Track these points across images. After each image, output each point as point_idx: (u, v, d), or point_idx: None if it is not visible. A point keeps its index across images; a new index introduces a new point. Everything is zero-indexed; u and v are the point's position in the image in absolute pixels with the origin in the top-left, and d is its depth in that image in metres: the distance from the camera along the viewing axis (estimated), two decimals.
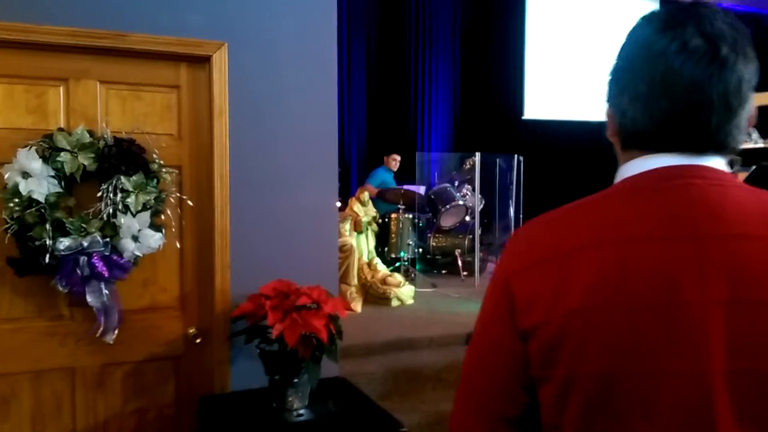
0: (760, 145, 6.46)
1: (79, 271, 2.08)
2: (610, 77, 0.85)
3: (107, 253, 2.12)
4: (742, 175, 5.42)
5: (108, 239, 2.12)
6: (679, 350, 0.71)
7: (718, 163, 0.79)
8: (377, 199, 6.66)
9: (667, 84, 0.76)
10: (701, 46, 0.75)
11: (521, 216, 7.13)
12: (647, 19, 0.81)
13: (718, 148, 0.78)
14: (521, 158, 6.98)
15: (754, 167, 5.10)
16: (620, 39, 0.84)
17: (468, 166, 6.83)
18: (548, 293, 0.76)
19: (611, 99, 0.85)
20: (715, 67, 0.75)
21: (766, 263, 0.72)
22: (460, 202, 6.56)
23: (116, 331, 2.21)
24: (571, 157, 8.83)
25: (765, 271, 0.71)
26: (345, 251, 5.03)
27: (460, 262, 6.52)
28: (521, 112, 8.79)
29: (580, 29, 8.77)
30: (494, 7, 8.61)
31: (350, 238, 5.25)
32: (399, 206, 6.49)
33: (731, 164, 0.82)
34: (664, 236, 0.74)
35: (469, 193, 6.76)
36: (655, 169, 0.79)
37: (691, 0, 0.80)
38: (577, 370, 0.74)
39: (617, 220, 0.77)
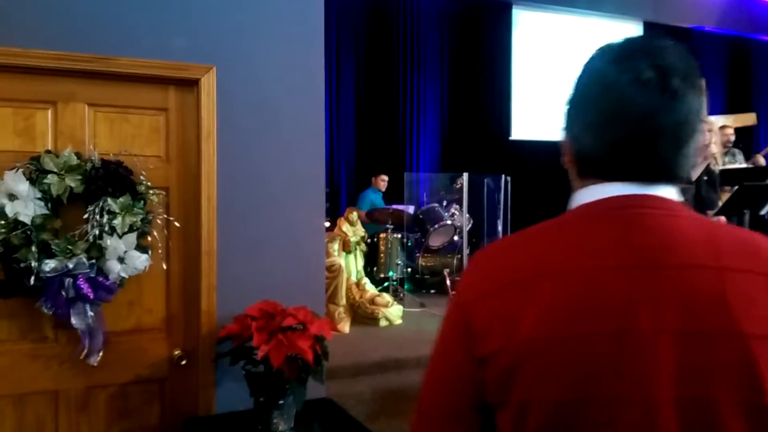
0: (744, 165, 6.57)
1: (64, 293, 2.07)
2: (566, 106, 0.86)
3: (93, 275, 2.12)
4: (725, 196, 5.49)
5: (94, 261, 2.12)
6: (631, 378, 0.72)
7: (669, 192, 0.81)
8: (368, 220, 6.69)
9: (619, 113, 0.78)
10: (653, 78, 0.77)
11: (509, 234, 7.16)
12: (602, 51, 0.84)
13: (669, 178, 0.81)
14: (509, 178, 7.05)
15: (736, 188, 5.17)
16: None
17: (458, 185, 6.89)
18: (504, 321, 0.77)
19: (567, 127, 0.87)
20: (666, 98, 0.77)
21: (713, 293, 0.73)
22: (449, 222, 6.60)
23: (101, 354, 2.20)
24: (557, 176, 8.85)
25: (712, 300, 0.73)
26: (333, 271, 5.04)
27: (448, 282, 6.53)
28: (508, 133, 8.89)
29: (566, 52, 8.91)
30: (481, 30, 8.75)
31: (339, 258, 5.26)
32: (387, 226, 6.51)
33: (683, 193, 0.85)
34: (616, 265, 0.75)
35: (458, 213, 6.80)
36: (608, 198, 0.81)
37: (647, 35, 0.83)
38: (533, 396, 0.75)
39: (570, 248, 0.78)
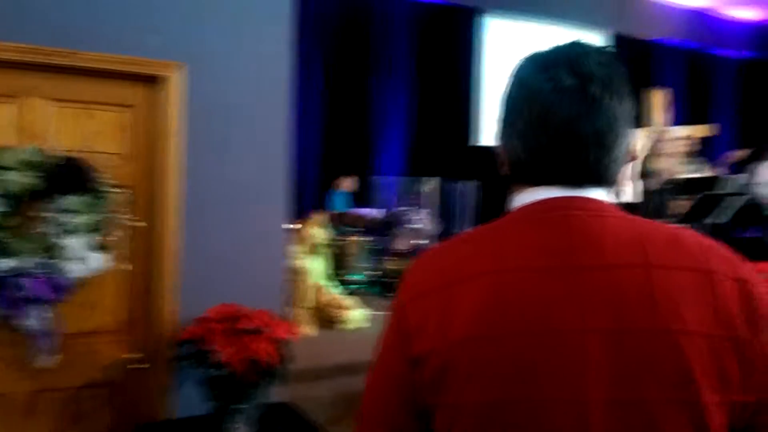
0: (708, 174, 6.73)
1: (19, 293, 2.02)
2: (498, 116, 0.88)
3: (50, 275, 2.07)
4: (687, 203, 5.63)
5: (52, 260, 2.07)
6: (558, 379, 0.72)
7: (599, 194, 0.82)
8: (335, 223, 6.67)
9: (542, 121, 0.80)
10: (573, 85, 0.79)
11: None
12: (528, 60, 0.85)
13: (596, 181, 0.82)
14: (478, 183, 7.12)
15: (699, 196, 5.30)
16: None
17: (427, 190, 6.93)
18: (436, 322, 0.77)
19: (500, 135, 0.88)
20: (586, 105, 0.79)
21: (641, 291, 0.74)
22: (416, 226, 6.63)
23: (53, 356, 2.14)
24: None
25: (640, 299, 0.73)
26: (298, 274, 5.01)
27: None
28: (478, 139, 8.98)
29: None
30: (451, 36, 8.81)
31: (304, 261, 5.23)
32: (356, 229, 6.51)
33: (617, 195, 0.87)
34: (542, 266, 0.76)
35: (426, 217, 6.84)
36: (537, 201, 0.82)
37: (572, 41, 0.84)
38: (463, 399, 0.75)
39: (499, 251, 0.79)
